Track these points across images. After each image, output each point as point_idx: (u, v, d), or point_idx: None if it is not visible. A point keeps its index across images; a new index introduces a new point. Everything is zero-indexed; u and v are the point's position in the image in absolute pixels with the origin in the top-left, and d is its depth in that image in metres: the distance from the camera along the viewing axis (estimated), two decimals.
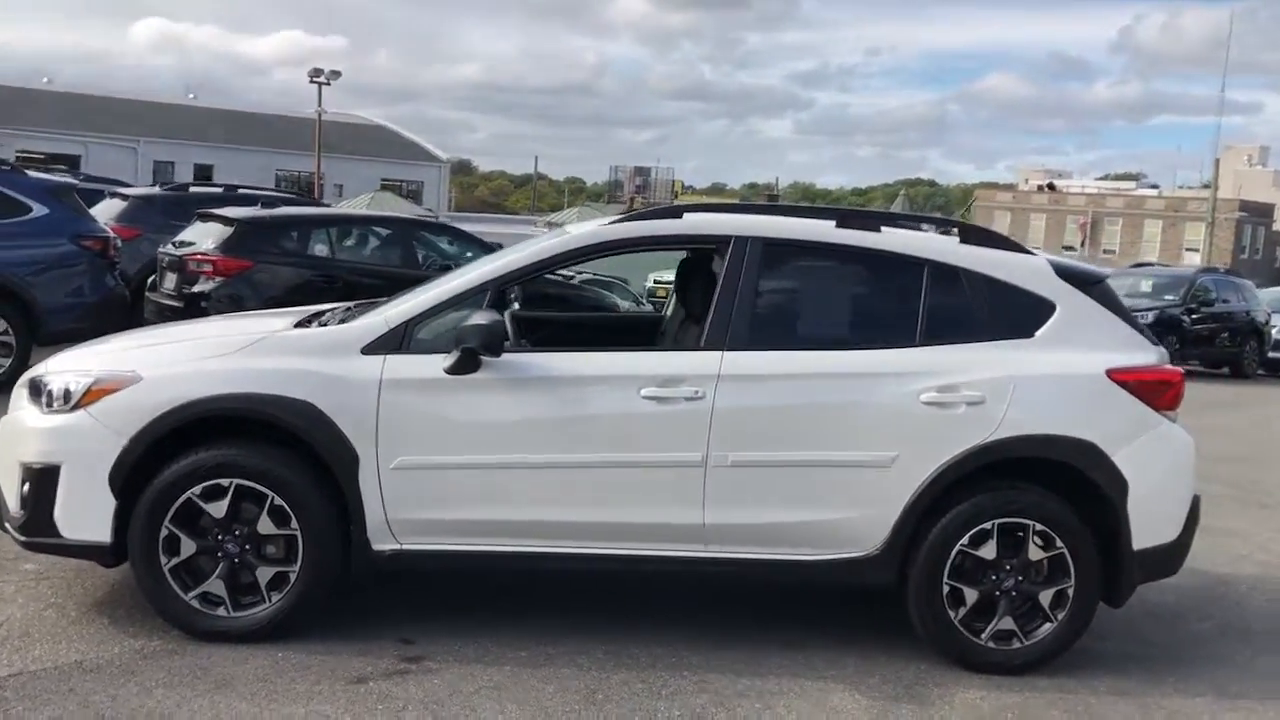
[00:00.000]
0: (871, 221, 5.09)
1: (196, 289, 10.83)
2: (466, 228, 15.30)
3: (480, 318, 4.50)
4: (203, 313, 9.92)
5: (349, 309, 5.43)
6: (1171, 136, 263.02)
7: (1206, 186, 61.49)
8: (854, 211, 5.32)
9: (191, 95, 64.92)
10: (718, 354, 4.70)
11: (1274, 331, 22.13)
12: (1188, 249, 70.92)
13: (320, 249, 11.58)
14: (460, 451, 4.59)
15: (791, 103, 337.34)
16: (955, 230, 5.23)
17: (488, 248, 12.47)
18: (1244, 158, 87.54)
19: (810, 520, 4.72)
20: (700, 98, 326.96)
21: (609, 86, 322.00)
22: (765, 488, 4.69)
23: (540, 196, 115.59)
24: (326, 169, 51.64)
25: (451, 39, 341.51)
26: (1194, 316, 20.23)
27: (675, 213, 5.07)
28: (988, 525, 4.75)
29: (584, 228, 5.01)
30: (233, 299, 10.70)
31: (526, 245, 5.17)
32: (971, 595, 4.78)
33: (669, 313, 6.33)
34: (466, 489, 4.62)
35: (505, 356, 4.56)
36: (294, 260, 11.31)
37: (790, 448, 4.68)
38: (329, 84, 46.85)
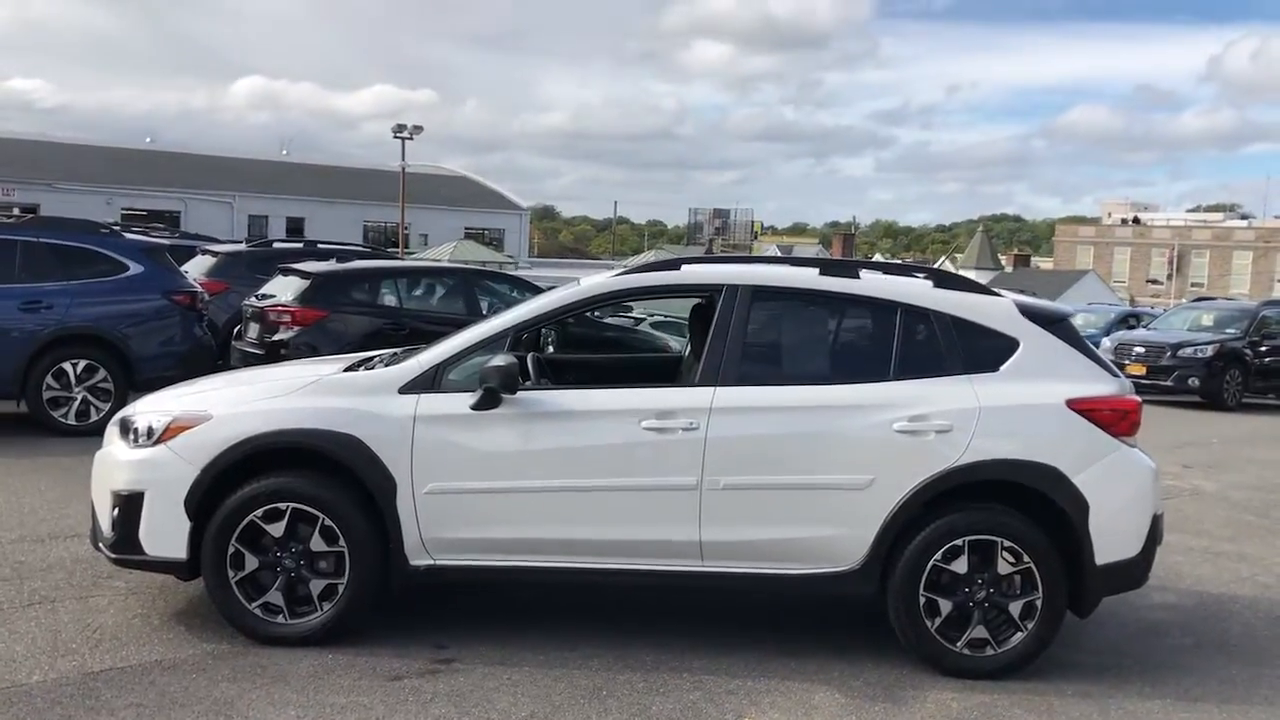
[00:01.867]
0: (851, 269, 5.67)
1: (277, 338, 11.72)
2: (548, 272, 16.12)
3: (499, 360, 5.16)
4: (282, 359, 10.79)
5: (395, 354, 6.14)
6: (1265, 165, 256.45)
7: None
8: (835, 261, 5.93)
9: (285, 151, 67.49)
10: (710, 389, 5.31)
11: None
12: (1279, 280, 69.45)
13: (389, 299, 12.45)
14: (484, 478, 5.25)
15: (872, 141, 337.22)
16: (929, 275, 5.78)
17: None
18: None
19: (796, 537, 5.27)
20: (781, 139, 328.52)
21: (690, 131, 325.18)
22: (754, 508, 5.26)
23: (621, 240, 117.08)
24: (412, 219, 53.37)
25: (538, 88, 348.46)
26: (1258, 350, 20.18)
27: (674, 265, 5.73)
28: (959, 542, 5.25)
29: (594, 279, 5.67)
30: (310, 346, 11.55)
31: (545, 296, 5.85)
32: (946, 606, 5.28)
33: (688, 353, 6.96)
34: (490, 511, 5.27)
35: (521, 394, 5.22)
36: (366, 310, 12.18)
37: (776, 472, 5.25)
38: (412, 138, 48.57)
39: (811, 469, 5.26)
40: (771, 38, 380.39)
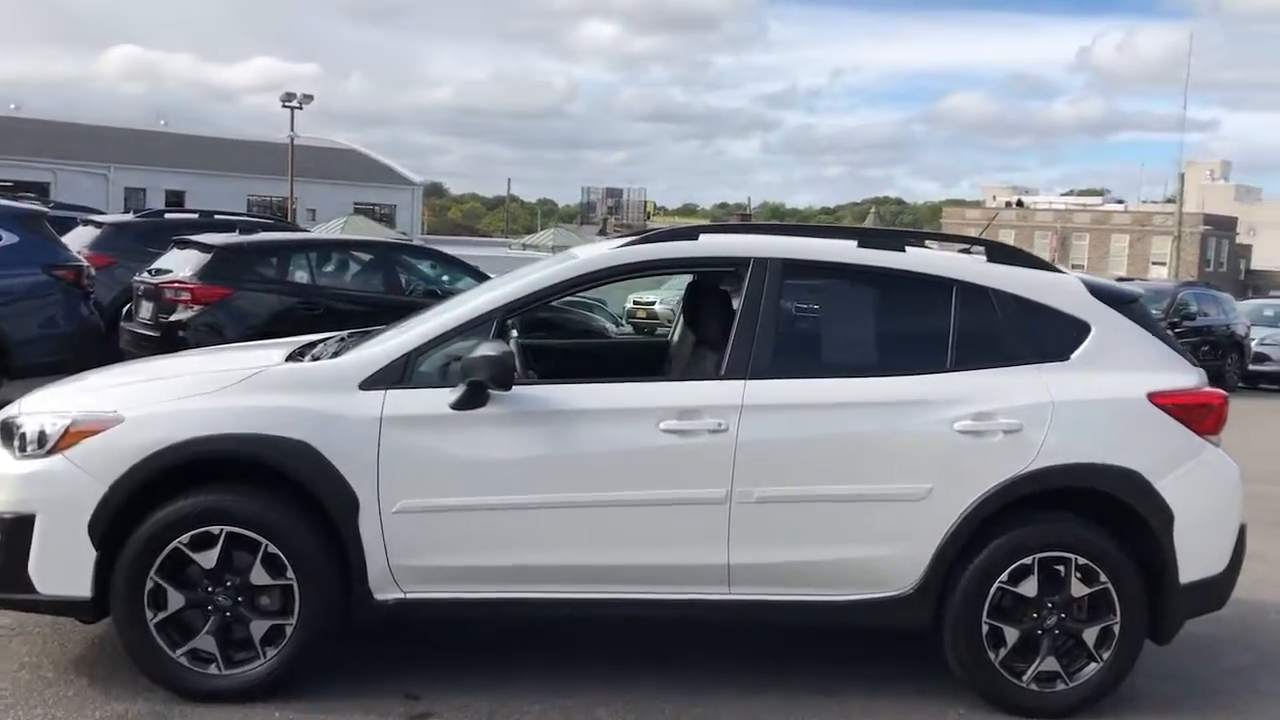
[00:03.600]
0: (895, 240, 4.84)
1: (174, 318, 10.46)
2: (446, 250, 14.97)
3: (488, 348, 4.20)
4: (181, 342, 9.57)
5: (343, 339, 5.13)
6: (1133, 152, 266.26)
7: (1171, 201, 62.05)
8: (876, 231, 5.06)
9: (163, 121, 64.24)
10: (740, 383, 4.43)
11: (1254, 344, 22.11)
12: (1154, 262, 71.41)
13: (301, 275, 11.23)
14: (468, 493, 4.29)
15: (759, 123, 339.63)
16: (981, 249, 4.98)
17: (472, 271, 12.19)
18: (1206, 172, 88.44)
19: (840, 559, 4.44)
20: (670, 119, 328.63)
21: (580, 110, 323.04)
22: (792, 525, 4.41)
23: (513, 219, 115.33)
24: (299, 194, 51.19)
25: (423, 64, 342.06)
26: (1177, 331, 20.13)
27: (690, 234, 4.81)
28: (1028, 560, 4.49)
29: (593, 251, 4.73)
30: (211, 328, 10.34)
31: (531, 270, 4.89)
32: (1012, 635, 4.51)
33: (675, 338, 6.06)
34: (475, 532, 4.32)
35: (514, 390, 4.27)
36: (274, 287, 10.95)
37: (819, 481, 4.41)
38: (301, 108, 46.44)
39: (859, 477, 4.43)
40: (661, 18, 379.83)
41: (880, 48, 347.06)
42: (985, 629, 4.50)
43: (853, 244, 4.80)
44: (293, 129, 47.41)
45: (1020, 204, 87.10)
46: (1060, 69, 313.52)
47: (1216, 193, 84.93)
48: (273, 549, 4.20)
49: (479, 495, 4.29)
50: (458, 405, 4.25)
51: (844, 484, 4.42)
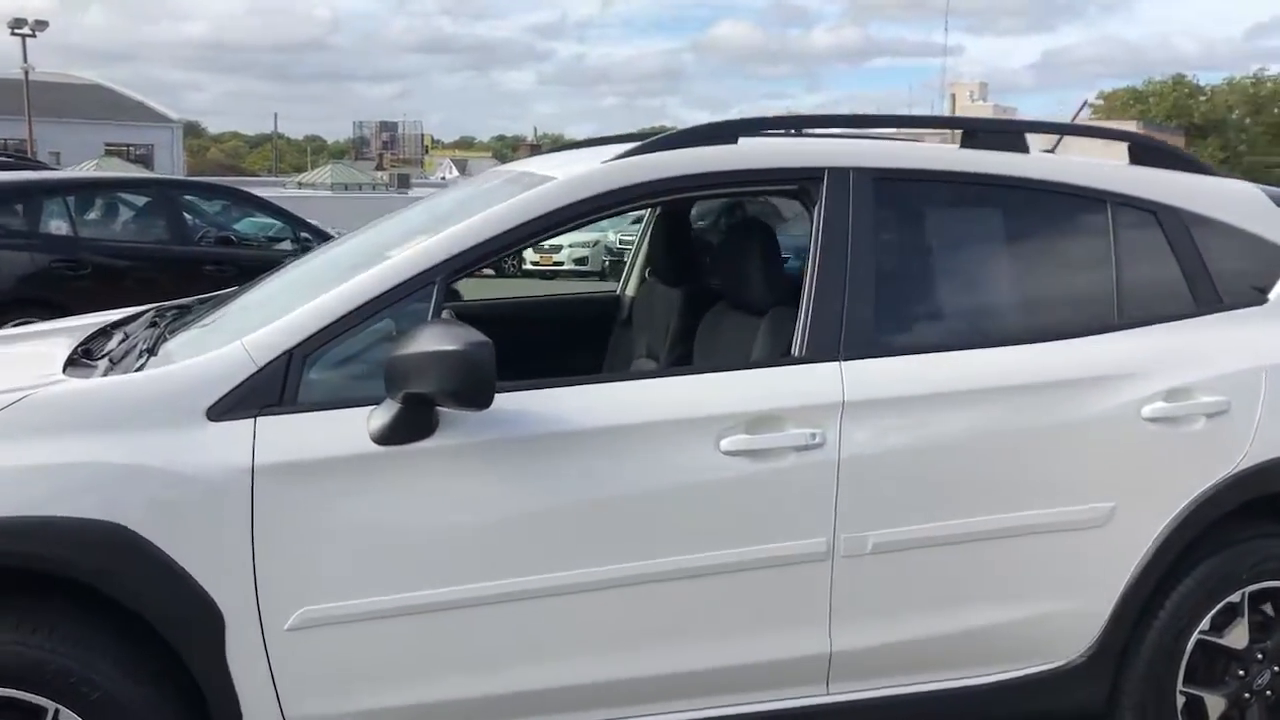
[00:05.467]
0: (1011, 136, 3.24)
1: None
2: None
3: (439, 336, 2.40)
4: None
5: (154, 322, 3.21)
6: (891, 78, 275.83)
7: None
8: (984, 123, 3.40)
9: None
10: (831, 368, 2.80)
11: None
12: None
13: (58, 224, 8.77)
14: (413, 583, 2.51)
15: (531, 54, 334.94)
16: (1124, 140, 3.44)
17: (278, 213, 10.02)
18: (967, 94, 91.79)
19: (987, 626, 2.91)
20: (441, 50, 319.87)
21: (344, 42, 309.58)
22: (921, 583, 2.85)
23: (280, 156, 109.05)
24: (39, 135, 45.77)
25: None
26: None
27: (724, 135, 3.05)
28: (1235, 598, 3.08)
29: (580, 170, 2.92)
30: None
31: (475, 203, 3.06)
32: (1216, 704, 3.10)
33: (630, 293, 4.38)
34: (428, 647, 2.56)
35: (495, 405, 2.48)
36: (21, 240, 8.51)
37: (958, 511, 2.84)
38: (35, 35, 41.14)
39: (1015, 499, 2.89)
40: None
41: None
42: (1181, 701, 3.08)
43: (953, 147, 3.21)
44: (25, 60, 42.09)
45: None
46: None
47: (978, 112, 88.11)
48: (67, 715, 2.34)
49: (431, 587, 2.52)
50: (386, 437, 2.46)
51: (994, 512, 2.87)
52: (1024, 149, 3.18)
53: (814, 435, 2.72)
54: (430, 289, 2.62)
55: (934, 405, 2.84)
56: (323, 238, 9.19)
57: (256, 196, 10.45)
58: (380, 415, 2.47)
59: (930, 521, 2.82)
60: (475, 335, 2.39)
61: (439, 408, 2.46)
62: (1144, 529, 2.96)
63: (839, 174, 2.94)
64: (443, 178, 61.60)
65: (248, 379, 2.49)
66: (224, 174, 67.45)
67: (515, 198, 2.80)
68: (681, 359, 3.69)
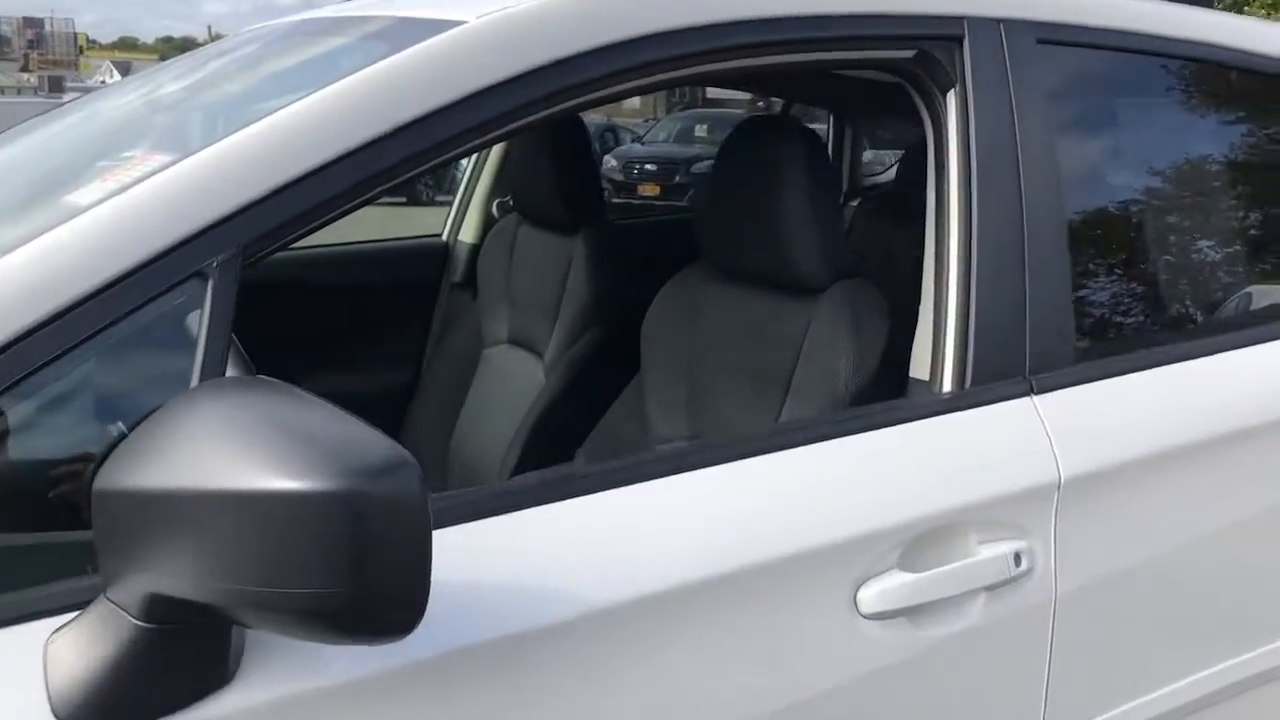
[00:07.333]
0: None
1: None
2: None
3: (270, 437, 0.84)
4: None
5: None
6: None
7: None
8: None
9: None
10: (1024, 405, 1.43)
11: None
12: None
13: None
14: None
15: None
16: None
17: None
18: None
19: None
20: None
21: None
22: None
23: None
24: None
25: None
26: None
27: None
28: None
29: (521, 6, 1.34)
30: None
31: (265, 83, 1.44)
32: None
33: (467, 238, 2.85)
34: None
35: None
36: None
37: (1224, 652, 1.58)
38: None
39: None
40: None
41: None
42: None
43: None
44: None
45: None
46: None
47: None
48: None
49: None
50: (97, 693, 0.88)
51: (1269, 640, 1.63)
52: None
53: (1018, 556, 1.36)
54: (202, 283, 1.02)
55: (1195, 463, 1.53)
56: None
57: None
58: (75, 643, 0.89)
59: (1182, 677, 1.54)
60: (369, 433, 0.85)
61: (242, 628, 0.91)
62: None
63: (990, 24, 1.53)
64: (102, 81, 55.05)
65: None
66: None
67: (396, 57, 1.20)
68: (592, 353, 2.24)
